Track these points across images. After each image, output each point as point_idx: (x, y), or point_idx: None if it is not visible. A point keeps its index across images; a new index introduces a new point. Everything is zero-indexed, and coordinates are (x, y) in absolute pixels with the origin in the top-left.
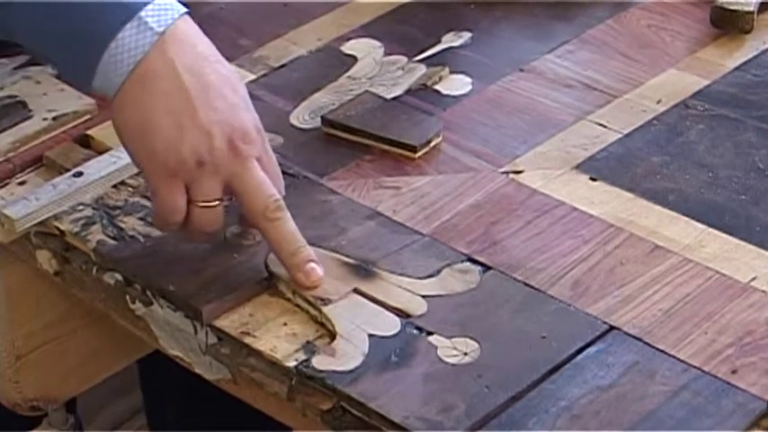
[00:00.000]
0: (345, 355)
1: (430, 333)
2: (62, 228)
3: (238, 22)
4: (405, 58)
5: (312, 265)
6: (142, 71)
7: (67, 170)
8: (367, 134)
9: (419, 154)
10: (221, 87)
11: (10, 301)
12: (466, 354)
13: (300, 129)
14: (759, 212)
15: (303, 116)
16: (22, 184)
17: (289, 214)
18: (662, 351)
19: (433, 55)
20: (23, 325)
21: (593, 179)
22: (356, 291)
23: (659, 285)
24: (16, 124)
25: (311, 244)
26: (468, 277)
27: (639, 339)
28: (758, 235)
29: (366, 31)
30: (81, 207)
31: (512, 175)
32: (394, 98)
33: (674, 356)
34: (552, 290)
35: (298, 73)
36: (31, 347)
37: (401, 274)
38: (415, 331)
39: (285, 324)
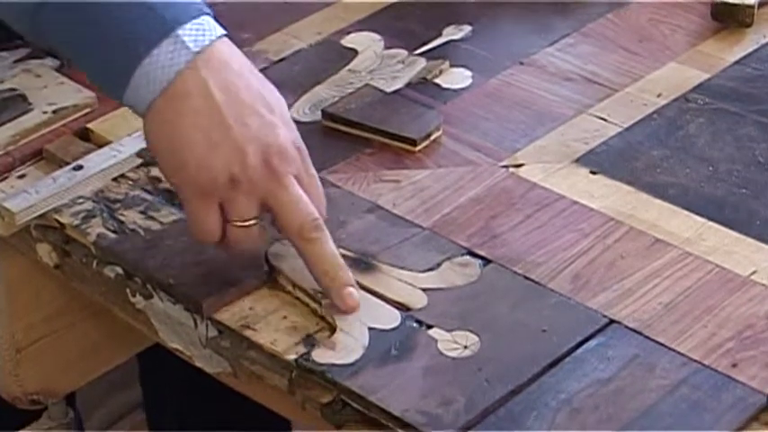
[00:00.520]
0: (345, 349)
1: (430, 326)
2: (62, 221)
3: (238, 15)
4: (405, 52)
5: (350, 290)
6: (174, 90)
7: (67, 163)
8: (367, 127)
9: (419, 147)
10: (256, 105)
11: (10, 294)
12: (466, 347)
13: (301, 122)
14: (759, 206)
15: (303, 109)
16: (21, 177)
17: (328, 235)
18: (662, 344)
19: (434, 48)
20: (23, 318)
21: (593, 173)
22: (356, 284)
23: (659, 279)
24: (16, 117)
25: None
26: (468, 271)
27: (639, 333)
28: (758, 229)
29: (366, 24)
30: (81, 200)
31: (512, 169)
32: (394, 91)
33: (674, 350)
34: (552, 283)
35: (298, 66)
36: (31, 340)
37: (401, 268)
38: (415, 324)
39: (285, 317)
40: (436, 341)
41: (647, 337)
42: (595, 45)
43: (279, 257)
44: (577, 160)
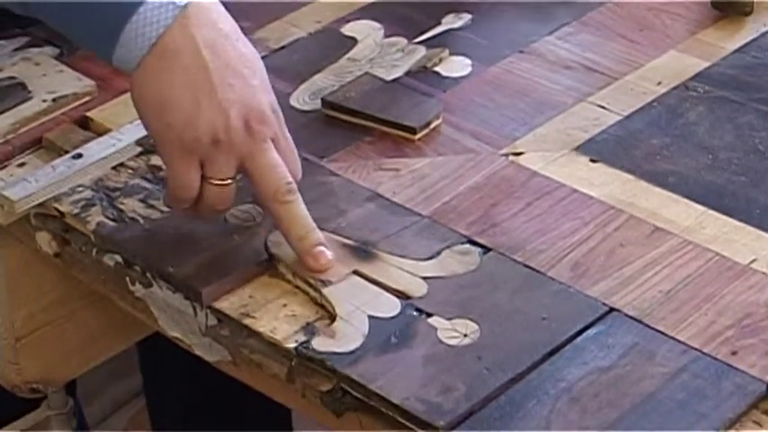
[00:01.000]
0: (345, 337)
1: (430, 315)
2: (62, 209)
3: (238, 3)
4: (405, 40)
5: (321, 248)
6: (163, 46)
7: (67, 152)
8: (367, 116)
9: (419, 136)
10: (240, 67)
11: (9, 283)
12: (466, 335)
13: (300, 110)
14: (759, 194)
15: (303, 98)
16: (21, 165)
17: (300, 198)
18: (662, 333)
19: (433, 37)
20: (23, 306)
21: (593, 161)
22: (356, 272)
23: (659, 267)
24: (16, 106)
25: None
26: (468, 259)
27: (639, 321)
28: (758, 217)
29: (366, 12)
30: (80, 189)
31: (511, 157)
32: (394, 80)
33: (673, 338)
34: (552, 271)
35: (298, 55)
36: (31, 329)
37: (401, 256)
38: (414, 313)
39: (285, 305)
40: (436, 329)
41: (646, 326)
42: (595, 33)
43: (279, 246)
44: (577, 148)
